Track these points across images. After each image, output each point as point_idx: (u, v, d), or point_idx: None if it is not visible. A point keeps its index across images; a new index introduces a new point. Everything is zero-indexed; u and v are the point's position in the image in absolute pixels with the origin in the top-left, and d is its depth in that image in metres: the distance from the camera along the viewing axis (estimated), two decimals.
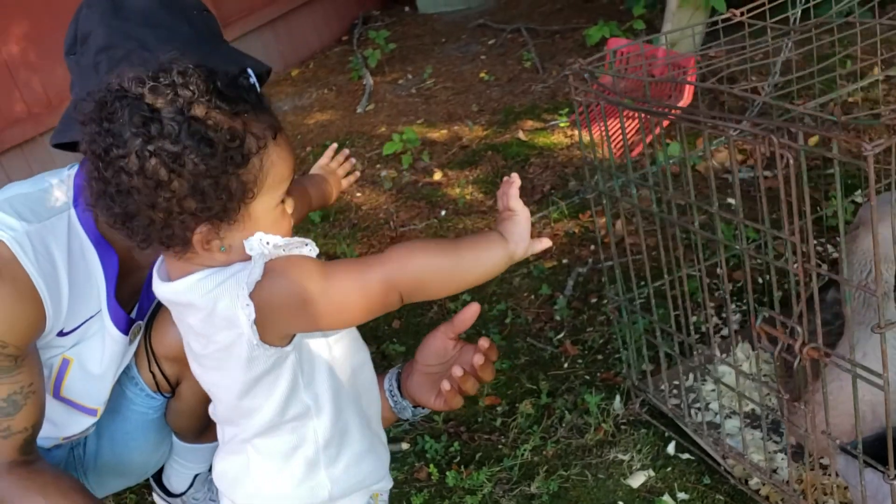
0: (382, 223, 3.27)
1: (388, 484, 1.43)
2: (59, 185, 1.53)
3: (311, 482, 1.26)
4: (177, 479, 2.02)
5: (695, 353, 1.77)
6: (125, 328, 1.62)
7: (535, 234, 2.94)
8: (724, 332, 2.23)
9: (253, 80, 1.17)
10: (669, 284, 1.89)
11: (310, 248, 1.16)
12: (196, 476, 2.01)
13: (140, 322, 1.67)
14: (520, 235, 1.21)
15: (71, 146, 1.47)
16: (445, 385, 1.41)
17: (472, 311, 1.38)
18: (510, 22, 5.05)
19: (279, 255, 1.13)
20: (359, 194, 3.52)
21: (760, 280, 2.34)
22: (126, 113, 1.04)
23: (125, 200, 1.07)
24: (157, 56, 1.12)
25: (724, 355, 2.12)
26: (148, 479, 2.06)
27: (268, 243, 1.11)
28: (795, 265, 1.37)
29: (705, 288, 1.63)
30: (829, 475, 1.68)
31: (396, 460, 2.11)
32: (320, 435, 1.25)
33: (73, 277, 1.50)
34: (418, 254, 1.14)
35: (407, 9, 5.87)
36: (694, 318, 2.31)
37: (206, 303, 1.13)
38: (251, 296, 1.10)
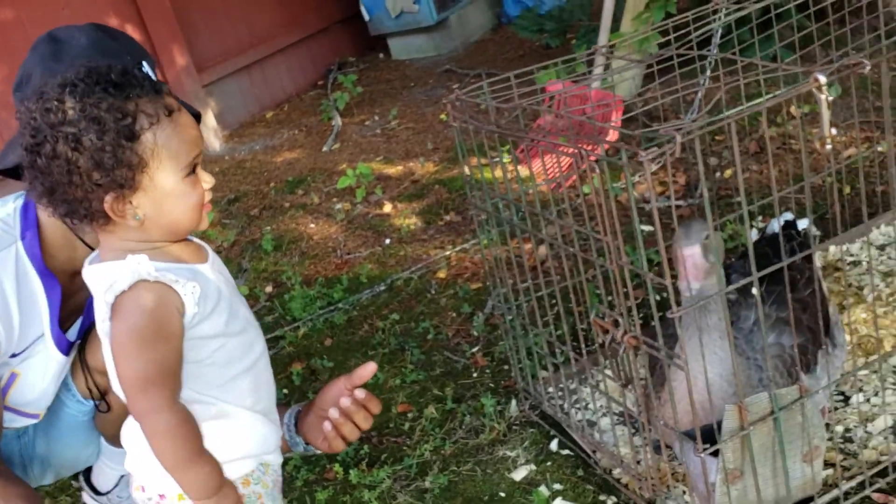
0: (331, 251, 3.47)
1: (278, 458, 1.56)
2: (7, 218, 1.67)
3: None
4: (104, 478, 2.19)
5: (556, 354, 1.94)
6: (66, 350, 1.79)
7: (467, 258, 3.14)
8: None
9: (147, 70, 1.35)
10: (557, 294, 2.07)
11: (182, 286, 1.31)
12: (122, 476, 2.18)
13: (78, 341, 1.84)
14: None
15: (13, 173, 1.62)
16: (327, 426, 1.60)
17: (369, 369, 1.58)
18: (474, 67, 5.30)
19: (157, 279, 1.30)
20: (312, 225, 3.72)
21: (659, 297, 2.51)
22: (40, 109, 1.27)
23: (47, 179, 1.29)
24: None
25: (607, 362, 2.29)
26: (79, 479, 2.23)
27: (139, 263, 1.30)
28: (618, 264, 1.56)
29: (595, 295, 1.80)
30: (680, 463, 1.84)
31: (311, 463, 2.27)
32: (200, 416, 1.40)
33: (22, 305, 1.65)
34: (171, 438, 1.34)
35: (382, 55, 6.14)
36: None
37: (95, 291, 1.34)
38: (116, 298, 1.30)
